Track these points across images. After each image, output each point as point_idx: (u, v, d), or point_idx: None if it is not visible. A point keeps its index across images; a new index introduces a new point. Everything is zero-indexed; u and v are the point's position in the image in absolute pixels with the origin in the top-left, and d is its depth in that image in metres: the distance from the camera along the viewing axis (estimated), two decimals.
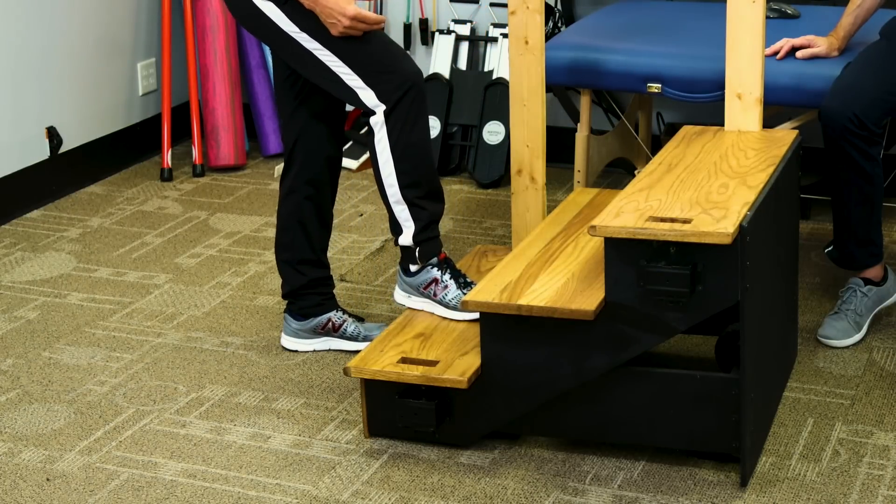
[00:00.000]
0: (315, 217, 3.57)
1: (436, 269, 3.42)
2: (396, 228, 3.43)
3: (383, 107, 3.30)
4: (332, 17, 3.23)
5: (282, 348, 3.69)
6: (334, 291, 3.69)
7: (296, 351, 3.67)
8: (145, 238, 4.54)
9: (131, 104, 5.28)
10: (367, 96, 3.31)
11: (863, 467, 3.06)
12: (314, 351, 3.67)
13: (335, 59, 3.30)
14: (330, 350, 3.66)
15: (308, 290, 3.61)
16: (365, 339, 3.63)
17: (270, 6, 3.30)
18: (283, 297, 3.65)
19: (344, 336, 3.65)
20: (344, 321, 3.65)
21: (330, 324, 3.64)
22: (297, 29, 3.30)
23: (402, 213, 3.39)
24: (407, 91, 3.29)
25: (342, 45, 3.28)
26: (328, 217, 3.61)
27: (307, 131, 3.50)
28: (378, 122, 3.32)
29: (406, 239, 3.41)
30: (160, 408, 3.43)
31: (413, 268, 3.44)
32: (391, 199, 3.38)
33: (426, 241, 3.42)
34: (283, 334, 3.69)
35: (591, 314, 2.95)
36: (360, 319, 3.69)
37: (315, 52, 3.31)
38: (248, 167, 5.23)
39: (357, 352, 3.60)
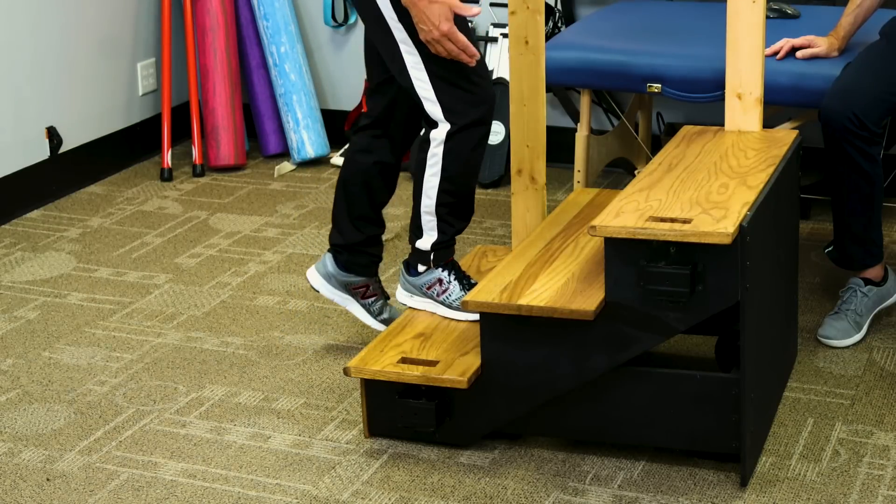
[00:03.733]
0: (382, 179, 3.51)
1: (441, 269, 3.42)
2: (417, 231, 3.41)
3: (448, 126, 3.26)
4: (425, 23, 3.13)
5: (307, 281, 3.63)
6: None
7: (317, 291, 3.61)
8: (145, 238, 4.54)
9: (131, 104, 5.28)
10: (434, 110, 3.26)
11: (863, 467, 3.06)
12: (332, 301, 3.63)
13: (418, 60, 3.23)
14: (346, 309, 3.62)
15: (363, 247, 3.56)
16: (382, 320, 3.60)
17: None
18: (333, 245, 3.57)
19: (367, 307, 3.61)
20: (375, 294, 3.60)
21: (365, 288, 3.59)
22: (395, 16, 3.21)
23: (430, 222, 3.38)
24: (476, 121, 3.25)
25: (430, 51, 3.19)
26: (395, 178, 3.55)
27: (396, 105, 3.44)
28: (438, 139, 3.27)
29: (424, 244, 3.41)
30: (160, 408, 3.43)
31: (421, 268, 3.44)
32: (423, 209, 3.36)
33: (443, 249, 3.41)
34: (314, 269, 3.61)
35: (591, 314, 2.95)
36: (387, 298, 3.66)
37: (401, 45, 3.24)
38: (248, 167, 5.23)
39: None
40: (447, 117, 3.26)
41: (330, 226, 3.62)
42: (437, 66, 3.23)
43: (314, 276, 3.62)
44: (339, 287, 3.60)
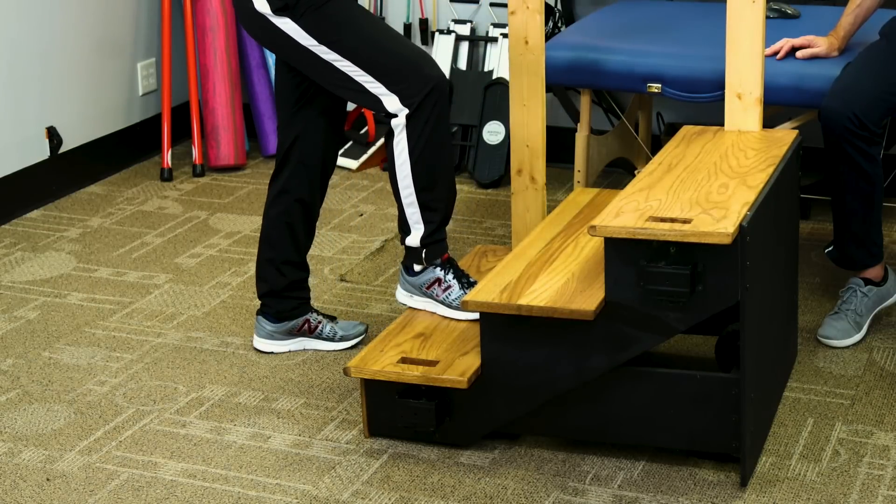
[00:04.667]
0: (303, 220, 3.57)
1: (439, 269, 3.43)
2: (405, 228, 3.43)
3: (406, 110, 3.29)
4: None
5: (255, 350, 3.69)
6: (310, 295, 3.70)
7: (270, 353, 3.66)
8: (145, 238, 4.54)
9: (131, 104, 5.28)
10: (391, 102, 3.30)
11: (863, 467, 3.06)
12: (289, 352, 3.66)
13: (356, 68, 3.29)
14: (304, 349, 3.66)
15: (287, 292, 3.61)
16: (342, 338, 3.65)
17: (286, 21, 3.28)
18: (260, 296, 3.64)
19: (320, 337, 3.65)
20: (319, 322, 3.65)
21: (306, 325, 3.64)
22: (315, 42, 3.29)
23: (414, 215, 3.39)
24: (428, 94, 3.28)
25: (362, 53, 3.27)
26: (315, 220, 3.61)
27: (307, 134, 3.49)
28: (399, 124, 3.31)
29: (413, 240, 3.42)
30: (160, 408, 3.43)
31: (417, 267, 3.44)
32: (405, 201, 3.38)
33: (433, 244, 3.42)
34: (255, 336, 3.68)
35: (591, 314, 2.95)
36: (332, 319, 3.69)
37: (335, 64, 3.30)
38: (248, 167, 5.23)
39: (333, 352, 3.62)
40: (403, 102, 3.30)
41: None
42: (377, 62, 3.29)
43: (260, 344, 3.68)
44: (286, 336, 3.66)
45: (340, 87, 3.36)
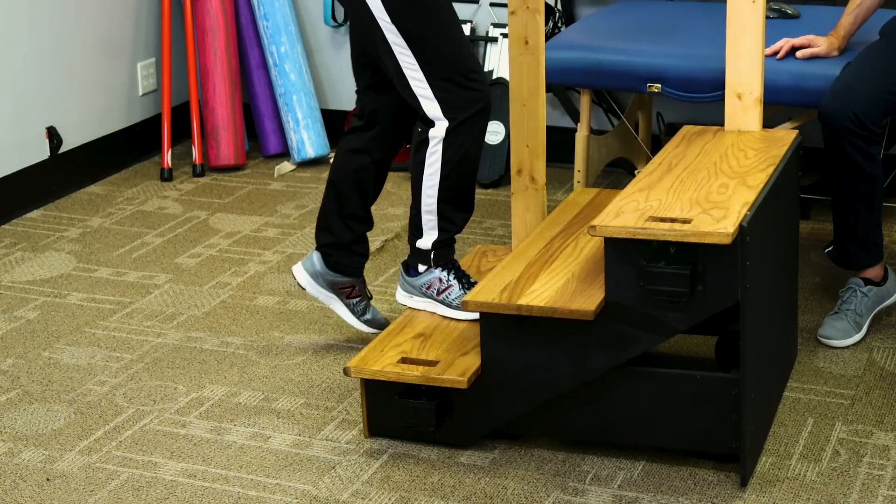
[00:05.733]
0: (375, 180, 3.53)
1: (440, 269, 3.42)
2: (417, 231, 3.41)
3: (446, 123, 3.27)
4: None
5: (293, 277, 3.63)
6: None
7: (303, 289, 3.61)
8: (145, 238, 4.54)
9: (131, 104, 5.28)
10: (431, 107, 3.27)
11: (863, 467, 3.06)
12: (317, 299, 3.63)
13: (413, 61, 3.24)
14: (328, 307, 3.64)
15: (354, 245, 3.56)
16: (366, 321, 3.61)
17: None
18: (322, 246, 3.57)
19: (352, 307, 3.61)
20: (360, 295, 3.61)
21: (351, 288, 3.59)
22: (388, 19, 3.22)
23: (431, 221, 3.38)
24: (473, 115, 3.27)
25: (423, 49, 3.22)
26: (384, 181, 3.57)
27: (390, 103, 3.45)
28: (437, 136, 3.29)
29: (425, 243, 3.41)
30: (160, 408, 3.43)
31: (421, 268, 3.44)
32: (424, 207, 3.37)
33: (443, 248, 3.42)
34: (300, 266, 3.60)
35: (591, 314, 2.95)
36: (370, 298, 3.66)
37: (394, 47, 3.25)
38: (248, 167, 5.23)
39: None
40: (445, 114, 3.27)
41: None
42: (433, 64, 3.24)
43: (301, 274, 3.61)
44: (326, 286, 3.60)
45: (390, 71, 3.30)
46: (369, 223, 3.60)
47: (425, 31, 3.24)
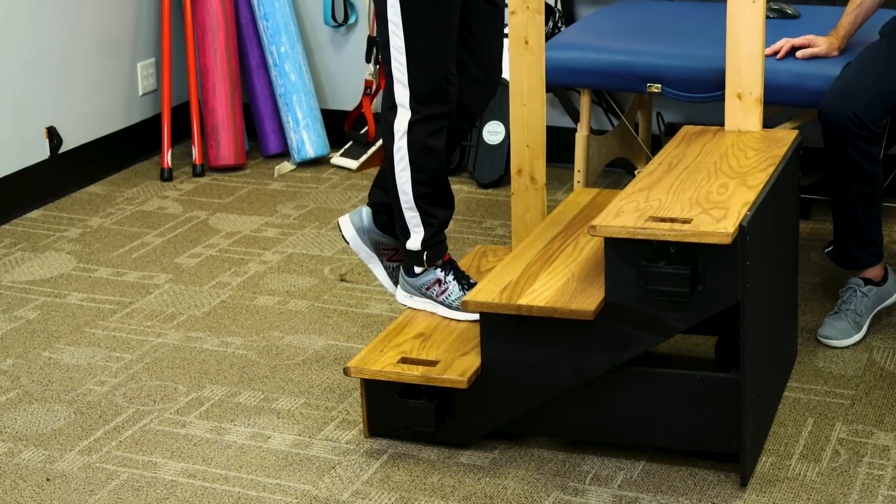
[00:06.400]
0: (450, 143, 3.49)
1: (439, 269, 3.42)
2: (405, 232, 3.42)
3: (409, 115, 3.28)
4: None
5: (338, 226, 3.56)
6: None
7: (347, 242, 3.53)
8: (145, 238, 4.54)
9: (131, 104, 5.28)
10: (401, 93, 3.28)
11: (863, 467, 3.06)
12: (357, 255, 3.56)
13: (402, 44, 3.25)
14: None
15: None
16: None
17: None
18: (376, 205, 3.50)
19: (390, 271, 3.56)
20: (401, 260, 3.52)
21: (394, 251, 3.55)
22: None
23: (413, 219, 3.38)
24: (440, 114, 3.28)
25: (415, 38, 3.23)
26: (452, 150, 3.53)
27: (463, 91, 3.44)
28: (401, 129, 3.30)
29: (414, 244, 3.41)
30: (160, 408, 3.43)
31: (417, 269, 3.44)
32: (403, 206, 3.37)
33: (434, 246, 3.42)
34: (347, 219, 3.53)
35: (591, 314, 2.95)
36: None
37: (390, 24, 3.26)
38: (248, 167, 5.23)
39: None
40: (411, 105, 3.28)
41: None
42: (419, 56, 3.26)
43: (347, 227, 3.56)
44: (369, 244, 3.56)
45: (380, 43, 3.32)
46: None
47: (425, 23, 3.25)
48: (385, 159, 3.40)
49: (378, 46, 3.30)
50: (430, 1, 3.24)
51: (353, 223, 3.56)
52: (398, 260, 3.56)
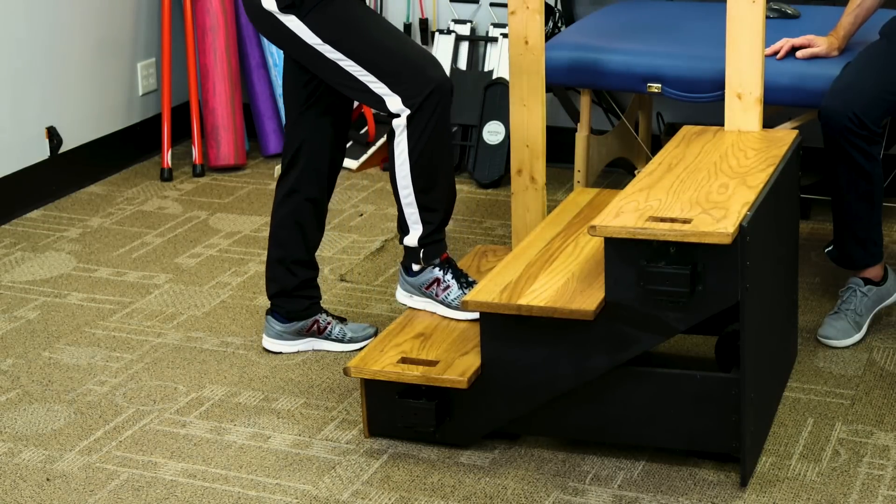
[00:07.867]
0: (313, 218, 3.57)
1: (438, 269, 3.43)
2: (404, 228, 3.43)
3: (407, 111, 3.30)
4: None
5: (263, 350, 3.69)
6: (322, 294, 3.70)
7: (279, 353, 3.66)
8: (145, 238, 4.54)
9: (131, 104, 5.28)
10: (394, 102, 3.31)
11: (863, 467, 3.06)
12: (297, 352, 3.67)
13: (359, 68, 3.30)
14: (313, 350, 3.66)
15: (298, 291, 3.61)
16: (350, 340, 3.65)
17: (292, 19, 3.30)
18: (271, 297, 3.64)
19: (329, 338, 3.66)
20: (329, 323, 3.66)
21: (315, 326, 3.65)
22: (320, 41, 3.30)
23: (413, 215, 3.39)
24: (429, 95, 3.28)
25: (365, 54, 3.29)
26: (324, 218, 3.62)
27: (315, 133, 3.50)
28: (400, 125, 3.32)
29: (412, 240, 3.42)
30: (160, 408, 3.43)
31: (415, 267, 3.45)
32: (404, 201, 3.38)
33: (431, 244, 3.42)
34: (265, 336, 3.68)
35: (591, 314, 2.95)
36: (342, 320, 3.69)
37: (339, 63, 3.31)
38: (248, 167, 5.23)
39: (342, 353, 3.62)
40: (405, 102, 3.30)
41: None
42: (380, 63, 3.29)
43: (269, 343, 3.68)
44: (295, 337, 3.66)
45: (345, 86, 3.36)
46: (314, 268, 3.64)
47: (359, 38, 3.31)
48: (388, 162, 3.41)
49: (344, 89, 3.36)
50: (348, 26, 3.30)
51: (270, 336, 3.68)
52: (326, 326, 3.66)
